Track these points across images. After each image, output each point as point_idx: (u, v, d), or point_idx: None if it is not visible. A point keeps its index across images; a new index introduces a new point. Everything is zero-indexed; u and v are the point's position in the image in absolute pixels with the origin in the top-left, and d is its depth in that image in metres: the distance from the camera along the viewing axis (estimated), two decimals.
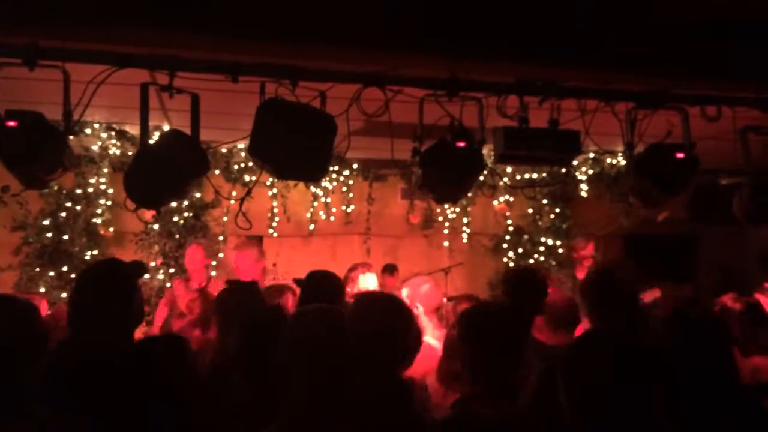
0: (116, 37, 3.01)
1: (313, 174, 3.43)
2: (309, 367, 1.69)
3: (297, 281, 3.40)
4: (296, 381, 1.69)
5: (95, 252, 5.56)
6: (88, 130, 5.15)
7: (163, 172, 3.05)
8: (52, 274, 5.41)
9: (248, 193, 3.48)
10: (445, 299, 4.54)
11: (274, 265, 6.36)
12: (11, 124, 2.89)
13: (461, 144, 3.49)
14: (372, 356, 1.92)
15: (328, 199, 6.27)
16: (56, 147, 2.98)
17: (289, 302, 3.71)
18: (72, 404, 2.12)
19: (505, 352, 2.13)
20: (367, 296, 2.33)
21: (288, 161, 3.17)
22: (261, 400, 2.22)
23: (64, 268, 5.42)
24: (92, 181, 5.45)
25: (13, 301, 2.04)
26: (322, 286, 3.16)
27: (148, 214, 3.99)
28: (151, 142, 3.49)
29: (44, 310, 4.27)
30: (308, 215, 6.32)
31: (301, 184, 6.09)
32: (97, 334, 2.39)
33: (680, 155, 3.65)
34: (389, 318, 2.06)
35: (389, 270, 6.30)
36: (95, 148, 5.37)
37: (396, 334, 2.02)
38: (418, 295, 4.57)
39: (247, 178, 5.79)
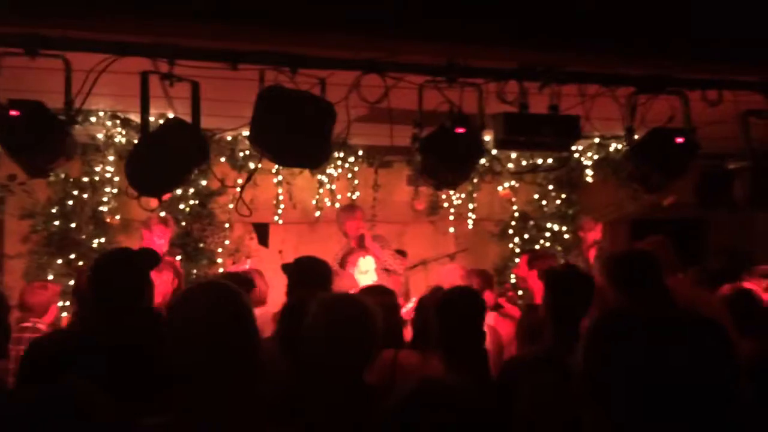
0: (116, 26, 3.04)
1: (313, 161, 3.46)
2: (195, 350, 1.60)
3: (284, 267, 3.42)
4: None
5: (102, 240, 5.61)
6: (93, 119, 5.19)
7: (164, 160, 3.08)
8: (60, 261, 5.48)
9: (248, 179, 3.52)
10: None
11: (280, 252, 6.40)
12: (14, 113, 2.93)
13: (461, 130, 3.50)
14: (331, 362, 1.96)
15: (334, 186, 6.29)
16: (58, 136, 3.02)
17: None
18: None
19: None
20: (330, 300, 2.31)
21: (288, 148, 3.20)
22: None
23: (72, 256, 5.48)
24: (98, 169, 5.50)
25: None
26: (308, 273, 3.19)
27: (153, 201, 4.04)
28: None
29: (55, 298, 4.34)
30: (314, 202, 6.34)
31: (307, 171, 6.11)
32: (108, 321, 2.44)
33: (680, 140, 3.64)
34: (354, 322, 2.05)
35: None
36: (100, 136, 5.41)
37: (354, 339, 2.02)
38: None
39: (252, 165, 5.81)
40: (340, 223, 5.71)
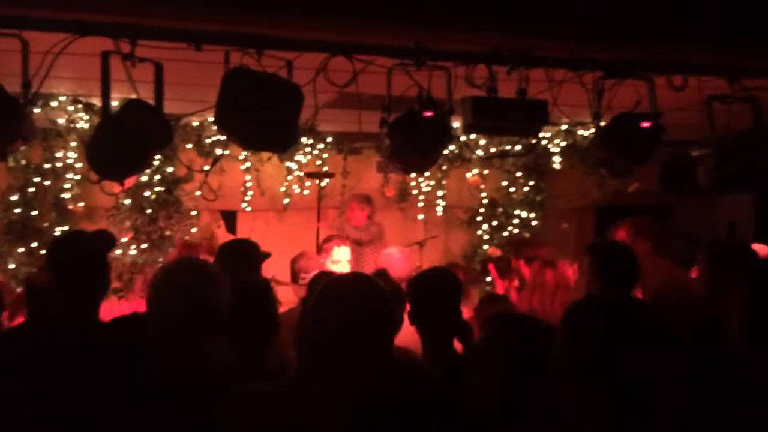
0: (76, 4, 2.94)
1: (280, 145, 3.41)
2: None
3: (216, 257, 3.40)
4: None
5: (65, 227, 5.50)
6: (54, 103, 5.06)
7: (125, 143, 3.01)
8: (21, 250, 5.35)
9: (214, 163, 3.45)
10: None
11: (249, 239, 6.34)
12: None
13: (429, 114, 3.48)
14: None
15: (302, 173, 6.24)
16: (15, 118, 2.92)
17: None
18: (30, 376, 2.13)
19: None
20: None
21: (253, 131, 3.15)
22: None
23: (34, 244, 5.36)
24: (59, 155, 5.37)
25: None
26: (236, 258, 3.17)
27: (116, 186, 3.95)
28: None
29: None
30: (282, 189, 6.29)
31: (275, 158, 6.06)
32: (64, 307, 2.42)
33: (645, 124, 3.67)
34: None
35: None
36: (62, 121, 5.28)
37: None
38: (390, 266, 4.61)
39: (219, 151, 5.74)
40: (347, 206, 5.94)
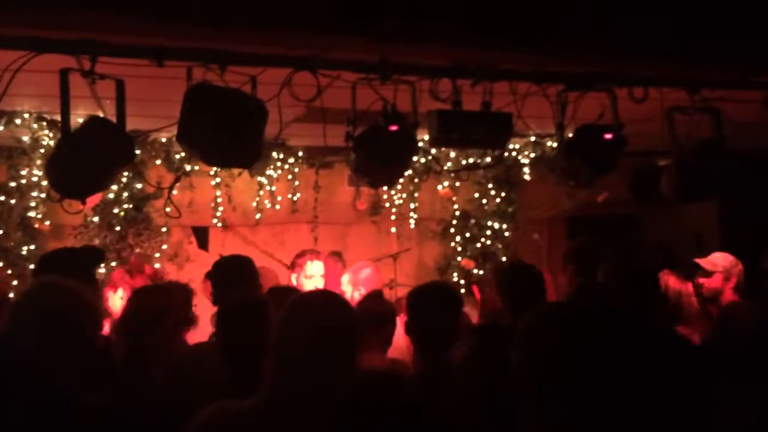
0: (32, 21, 2.91)
1: (244, 160, 3.40)
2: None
3: (207, 275, 3.36)
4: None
5: (32, 247, 5.40)
6: (17, 120, 4.99)
7: (86, 161, 2.97)
8: None
9: (176, 181, 3.44)
10: None
11: (221, 255, 6.29)
12: None
13: (394, 127, 3.49)
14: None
15: (274, 188, 6.22)
16: None
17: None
18: None
19: None
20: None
21: (216, 147, 3.13)
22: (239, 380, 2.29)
23: (0, 264, 5.26)
24: (24, 173, 5.29)
25: None
26: (233, 275, 3.14)
27: (80, 205, 3.89)
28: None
29: None
30: (254, 204, 6.25)
31: (246, 173, 6.02)
32: None
33: (608, 136, 3.72)
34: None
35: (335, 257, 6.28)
36: (26, 139, 5.21)
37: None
38: (360, 280, 4.60)
39: (188, 167, 5.70)
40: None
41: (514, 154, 6.34)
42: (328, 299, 1.98)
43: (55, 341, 1.94)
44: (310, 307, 1.92)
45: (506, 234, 6.67)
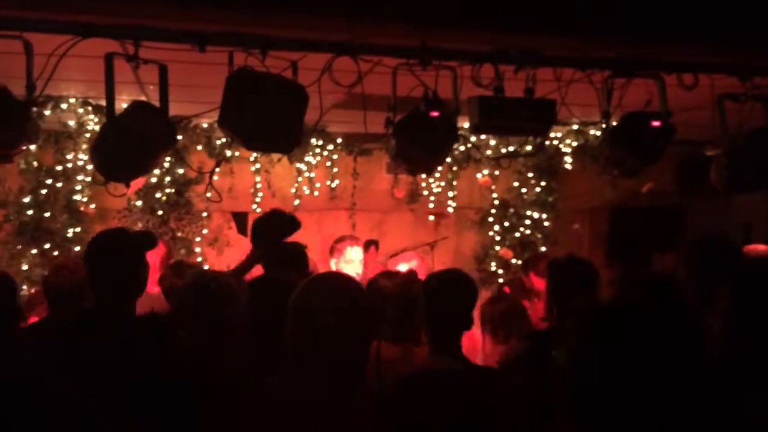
0: (79, 6, 2.95)
1: (284, 145, 3.40)
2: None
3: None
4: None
5: (78, 229, 5.53)
6: (64, 105, 5.09)
7: (130, 145, 3.01)
8: (34, 251, 5.39)
9: (217, 164, 3.45)
10: None
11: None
12: None
13: (435, 114, 3.45)
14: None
15: (312, 174, 6.24)
16: (18, 120, 2.94)
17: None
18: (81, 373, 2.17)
19: None
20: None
21: (257, 132, 3.14)
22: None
23: (47, 246, 5.40)
24: (70, 157, 5.40)
25: None
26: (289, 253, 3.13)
27: (123, 188, 3.96)
28: None
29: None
30: (293, 190, 6.28)
31: (285, 160, 6.05)
32: (102, 302, 2.54)
33: (656, 123, 3.62)
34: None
35: (368, 245, 6.27)
36: (72, 123, 5.32)
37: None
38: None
39: (228, 153, 5.75)
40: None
41: (555, 142, 6.23)
42: (341, 282, 2.01)
43: None
44: (323, 289, 1.95)
45: (546, 224, 6.58)
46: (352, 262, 4.95)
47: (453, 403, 1.48)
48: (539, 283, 3.93)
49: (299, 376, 1.87)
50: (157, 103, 3.38)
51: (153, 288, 3.66)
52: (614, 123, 3.92)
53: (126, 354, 2.16)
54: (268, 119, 3.12)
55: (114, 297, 2.53)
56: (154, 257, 4.19)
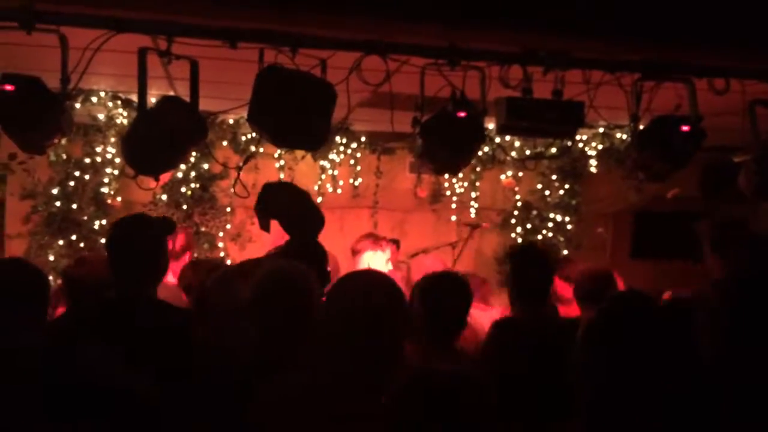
0: (113, 1, 3.00)
1: (312, 142, 3.43)
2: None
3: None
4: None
5: (104, 221, 5.60)
6: (94, 99, 5.17)
7: (161, 139, 3.05)
8: (61, 242, 5.47)
9: (246, 160, 3.49)
10: None
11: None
12: (8, 87, 2.90)
13: (462, 114, 3.45)
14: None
15: (336, 172, 6.26)
16: (53, 112, 2.99)
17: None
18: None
19: None
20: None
21: (285, 129, 3.16)
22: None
23: (73, 237, 5.48)
24: (99, 150, 5.48)
25: None
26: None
27: (152, 182, 4.02)
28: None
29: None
30: (316, 188, 6.31)
31: (309, 157, 6.08)
32: (123, 287, 2.56)
33: (685, 128, 3.58)
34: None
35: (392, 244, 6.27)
36: (102, 116, 5.39)
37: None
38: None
39: (253, 149, 5.79)
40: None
41: (580, 145, 6.19)
42: (372, 280, 1.98)
43: None
44: (353, 287, 1.93)
45: (569, 227, 6.54)
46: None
47: (455, 404, 1.50)
48: (563, 288, 3.89)
49: (329, 374, 1.85)
50: (184, 98, 3.42)
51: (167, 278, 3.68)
52: (642, 126, 3.89)
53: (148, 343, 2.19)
54: (297, 117, 3.15)
55: (135, 283, 2.55)
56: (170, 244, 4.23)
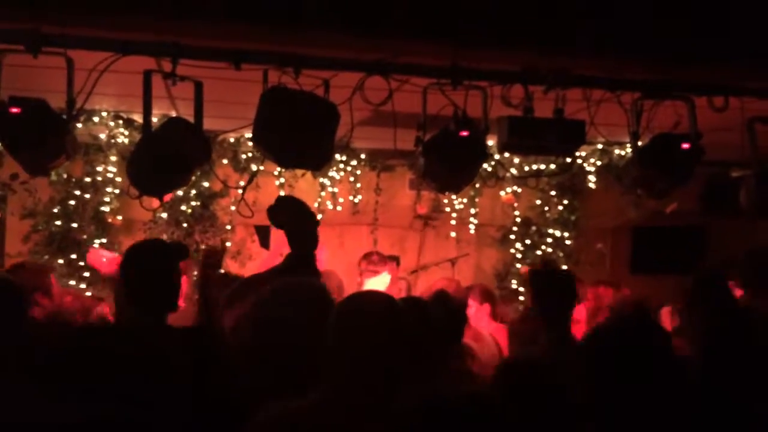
0: (118, 24, 3.02)
1: (315, 162, 3.44)
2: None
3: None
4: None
5: (104, 240, 5.60)
6: (95, 119, 5.18)
7: (165, 159, 3.06)
8: (61, 261, 5.46)
9: (250, 180, 3.50)
10: None
11: (282, 255, 6.38)
12: (14, 110, 2.91)
13: (464, 133, 3.47)
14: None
15: (336, 189, 6.27)
16: (59, 134, 3.00)
17: None
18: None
19: None
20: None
21: (290, 149, 3.18)
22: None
23: (73, 256, 5.47)
24: (100, 169, 5.49)
25: None
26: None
27: (155, 202, 4.02)
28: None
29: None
30: (316, 205, 6.32)
31: (309, 174, 6.10)
32: (136, 313, 2.55)
33: (685, 146, 3.61)
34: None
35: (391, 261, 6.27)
36: (103, 136, 5.40)
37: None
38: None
39: (254, 167, 5.80)
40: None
41: (579, 161, 6.22)
42: (375, 300, 1.99)
43: None
44: (357, 307, 1.93)
45: (567, 242, 6.56)
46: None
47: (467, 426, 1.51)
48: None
49: (334, 397, 1.83)
50: (185, 117, 3.43)
51: None
52: (642, 144, 3.92)
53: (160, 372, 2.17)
54: (301, 137, 3.16)
55: (150, 308, 2.54)
56: None
